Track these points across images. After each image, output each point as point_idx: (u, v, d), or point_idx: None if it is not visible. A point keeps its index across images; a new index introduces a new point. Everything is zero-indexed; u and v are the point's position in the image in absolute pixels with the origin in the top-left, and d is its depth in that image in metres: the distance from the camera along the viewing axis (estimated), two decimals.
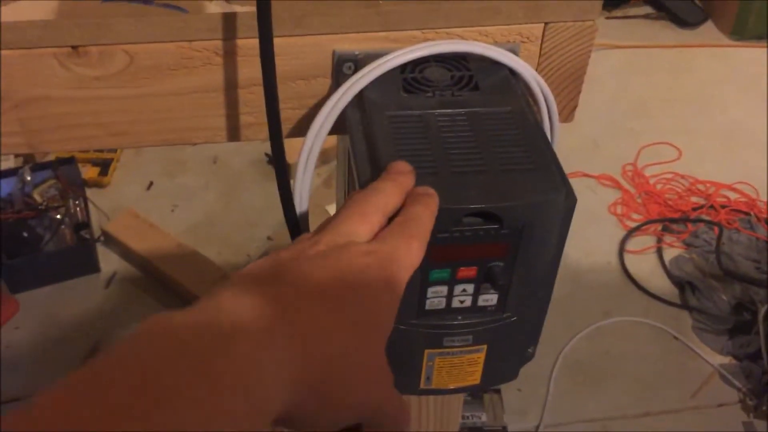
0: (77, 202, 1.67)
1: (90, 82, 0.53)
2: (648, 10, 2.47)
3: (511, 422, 1.39)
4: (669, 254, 1.71)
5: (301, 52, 0.55)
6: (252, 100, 0.57)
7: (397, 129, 0.49)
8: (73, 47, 0.52)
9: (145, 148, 1.94)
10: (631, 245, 1.73)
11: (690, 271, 1.66)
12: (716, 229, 1.72)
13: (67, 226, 1.62)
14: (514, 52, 0.56)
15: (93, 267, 1.62)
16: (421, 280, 0.48)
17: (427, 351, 0.52)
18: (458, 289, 0.49)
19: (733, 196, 1.83)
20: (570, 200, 0.47)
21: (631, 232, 1.75)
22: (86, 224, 1.63)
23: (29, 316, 1.53)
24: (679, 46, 2.33)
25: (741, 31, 2.34)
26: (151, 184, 1.84)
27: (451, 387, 0.54)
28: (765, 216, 1.78)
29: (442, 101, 0.52)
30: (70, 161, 1.74)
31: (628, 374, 1.50)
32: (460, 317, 0.50)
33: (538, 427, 1.40)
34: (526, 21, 0.56)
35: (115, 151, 1.87)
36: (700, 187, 1.85)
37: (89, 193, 1.75)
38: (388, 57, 0.53)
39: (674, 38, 2.39)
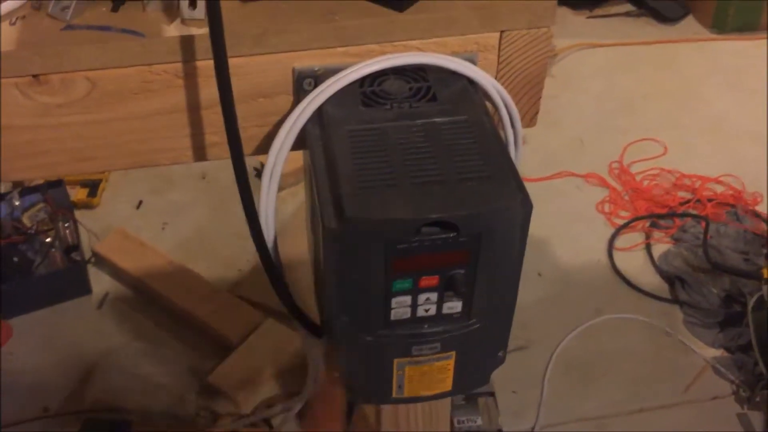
0: (67, 225, 1.67)
1: (53, 110, 0.54)
2: (629, 7, 2.48)
3: (506, 424, 1.39)
4: (658, 250, 1.72)
5: (261, 70, 0.56)
6: (215, 120, 0.58)
7: (356, 143, 0.50)
8: (34, 76, 0.52)
9: None
10: (619, 242, 1.74)
11: (679, 266, 1.66)
12: (703, 222, 1.73)
13: (57, 248, 1.63)
14: (473, 61, 0.57)
15: (85, 288, 1.63)
16: (384, 291, 0.48)
17: (396, 360, 0.53)
18: (422, 298, 0.49)
19: (719, 189, 1.83)
20: (526, 207, 0.48)
21: (619, 230, 1.75)
22: (76, 246, 1.64)
23: (23, 340, 1.54)
24: (661, 41, 2.34)
25: (721, 25, 2.35)
26: (141, 202, 1.85)
27: (423, 394, 0.55)
28: (751, 208, 1.78)
29: (400, 113, 0.52)
30: (58, 184, 1.74)
31: (622, 371, 1.50)
32: (426, 326, 0.51)
33: (533, 428, 1.40)
34: (482, 30, 0.57)
35: (101, 171, 1.88)
36: (687, 181, 1.85)
37: (79, 214, 1.75)
38: (346, 72, 0.53)
39: (656, 34, 2.40)
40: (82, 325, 1.57)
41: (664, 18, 2.42)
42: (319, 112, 0.53)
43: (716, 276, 1.62)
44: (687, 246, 1.71)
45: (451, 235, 0.46)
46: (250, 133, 0.58)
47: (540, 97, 0.62)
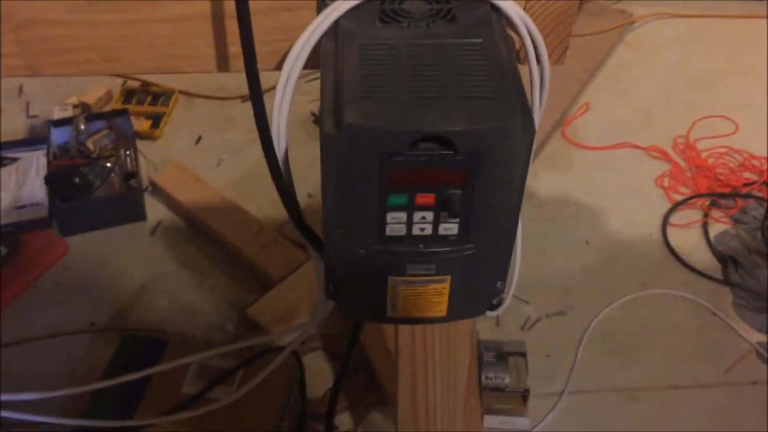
0: (128, 153, 1.73)
1: (83, 6, 0.56)
2: None
3: (536, 386, 1.38)
4: (715, 229, 1.66)
5: None
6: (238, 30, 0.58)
7: (365, 57, 0.50)
8: None
9: (195, 103, 1.99)
10: (675, 219, 1.68)
11: (735, 247, 1.60)
12: (766, 205, 1.66)
13: (117, 174, 1.69)
14: None
15: (140, 215, 1.69)
16: (379, 204, 0.48)
17: (391, 278, 0.53)
18: (417, 216, 0.49)
19: None
20: (528, 130, 0.47)
21: (676, 205, 1.70)
22: (135, 174, 1.69)
23: (78, 258, 1.61)
24: (744, 16, 2.23)
25: None
26: (200, 138, 1.89)
27: (418, 316, 0.55)
28: None
29: (415, 32, 0.52)
30: (123, 113, 1.80)
31: (661, 346, 1.47)
32: (421, 245, 0.51)
33: (562, 392, 1.39)
34: None
35: (167, 105, 1.93)
36: (755, 162, 1.78)
37: (140, 144, 1.81)
38: None
39: (739, 8, 2.29)
40: (135, 249, 1.63)
41: None
42: (336, 26, 0.53)
43: None
44: (746, 228, 1.64)
45: (448, 152, 0.46)
46: (273, 47, 0.59)
47: (570, 34, 0.60)
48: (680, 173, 1.77)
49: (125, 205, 1.67)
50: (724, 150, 1.81)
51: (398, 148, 0.45)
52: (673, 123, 1.90)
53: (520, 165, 0.49)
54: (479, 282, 0.55)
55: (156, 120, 1.89)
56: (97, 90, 1.94)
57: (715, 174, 1.75)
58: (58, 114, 1.83)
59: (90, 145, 1.71)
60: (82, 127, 1.72)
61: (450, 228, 0.50)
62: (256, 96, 0.54)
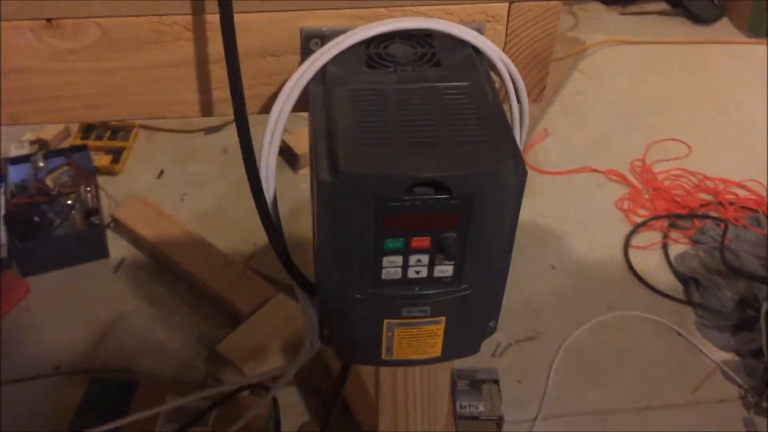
0: (89, 189, 1.70)
1: (64, 55, 0.55)
2: (663, 6, 2.45)
3: (509, 412, 1.39)
4: (674, 250, 1.70)
5: (269, 27, 0.56)
6: (222, 75, 0.58)
7: (356, 102, 0.51)
8: (48, 20, 0.53)
9: (157, 137, 1.97)
10: (636, 241, 1.72)
11: (695, 267, 1.64)
12: (723, 225, 1.71)
13: (77, 211, 1.65)
14: (480, 31, 0.57)
15: (102, 252, 1.65)
16: (375, 249, 0.49)
17: (386, 321, 0.53)
18: (413, 259, 0.50)
19: (742, 193, 1.81)
20: (520, 172, 0.48)
21: (637, 228, 1.74)
22: (96, 211, 1.66)
23: (40, 298, 1.57)
24: (694, 42, 2.31)
25: (757, 29, 2.32)
26: (162, 172, 1.87)
27: (412, 358, 0.55)
28: None
29: (402, 76, 0.53)
30: (82, 149, 1.77)
31: (630, 368, 1.49)
32: (417, 288, 0.51)
33: (535, 417, 1.40)
34: (491, 0, 0.56)
35: (127, 139, 1.90)
36: (709, 183, 1.83)
37: (101, 180, 1.78)
38: (352, 32, 0.54)
39: (689, 35, 2.37)
40: (98, 287, 1.60)
41: (698, 19, 2.39)
42: (323, 71, 0.54)
43: (732, 280, 1.60)
44: (704, 248, 1.69)
45: (443, 196, 0.46)
46: (257, 92, 0.59)
47: (547, 73, 0.62)
48: (639, 196, 1.82)
49: (87, 243, 1.64)
50: (679, 172, 1.86)
51: (395, 193, 0.46)
52: (630, 147, 1.95)
53: (512, 205, 0.49)
54: (473, 321, 0.55)
55: (116, 155, 1.86)
56: (54, 126, 1.91)
57: (672, 196, 1.80)
58: (15, 151, 1.79)
59: (49, 182, 1.68)
60: (41, 164, 1.69)
61: (445, 270, 0.50)
62: (246, 141, 0.53)
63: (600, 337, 1.55)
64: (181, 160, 1.91)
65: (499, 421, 1.36)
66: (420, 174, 0.45)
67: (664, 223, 1.75)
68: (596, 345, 1.54)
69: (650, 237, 1.74)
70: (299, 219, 1.73)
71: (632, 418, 1.42)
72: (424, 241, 0.49)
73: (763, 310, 1.40)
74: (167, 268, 1.62)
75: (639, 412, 1.43)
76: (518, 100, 0.60)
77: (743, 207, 1.77)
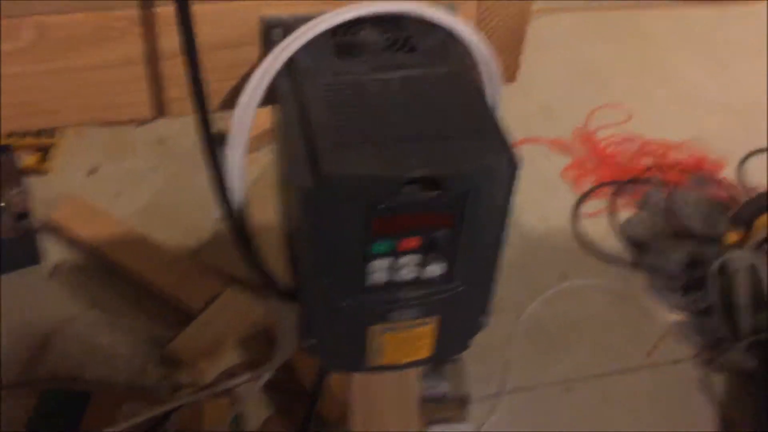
0: (16, 192, 1.60)
1: (1, 58, 0.49)
2: None
3: (474, 390, 1.38)
4: (622, 216, 1.72)
5: (225, 18, 0.52)
6: (177, 72, 0.53)
7: (331, 97, 0.47)
8: None
9: (86, 132, 1.87)
10: (584, 209, 1.73)
11: (642, 232, 1.67)
12: (667, 189, 1.73)
13: (6, 216, 1.56)
14: (451, 11, 0.54)
15: (35, 258, 1.57)
16: (362, 254, 0.45)
17: (373, 327, 0.50)
18: (402, 261, 0.47)
19: (682, 156, 1.84)
20: (513, 164, 0.45)
21: (583, 197, 1.75)
22: (27, 214, 1.57)
23: None
24: (629, 7, 2.33)
25: None
26: (95, 169, 1.78)
27: (402, 362, 0.53)
28: (713, 174, 1.79)
29: (377, 65, 0.49)
30: (6, 149, 1.66)
31: (587, 336, 1.51)
32: (406, 290, 0.48)
33: (500, 392, 1.40)
34: None
35: (53, 135, 1.80)
36: (650, 148, 1.86)
37: (29, 181, 1.68)
38: (319, 20, 0.50)
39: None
40: (35, 294, 1.52)
41: None
42: (290, 63, 0.50)
43: (679, 241, 1.63)
44: (650, 212, 1.71)
45: (435, 194, 0.43)
46: (214, 88, 0.55)
47: (521, 52, 0.59)
48: (584, 164, 1.83)
49: (19, 249, 1.55)
50: (621, 138, 1.88)
51: (384, 195, 0.42)
52: (572, 116, 1.96)
53: (506, 198, 0.47)
54: (465, 319, 0.53)
55: (44, 153, 1.76)
56: None
57: (616, 162, 1.82)
58: None
59: None
60: None
61: (435, 269, 0.48)
62: (209, 143, 0.49)
63: (556, 307, 1.56)
64: (114, 155, 1.82)
65: (465, 399, 1.36)
66: (411, 173, 0.42)
67: (610, 189, 1.76)
68: (553, 315, 1.55)
69: (597, 204, 1.75)
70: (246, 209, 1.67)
71: (594, 384, 1.44)
72: (414, 241, 0.46)
73: (712, 270, 1.43)
74: (109, 270, 1.55)
75: (600, 379, 1.45)
76: (491, 82, 0.57)
77: (684, 169, 1.80)
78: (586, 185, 1.79)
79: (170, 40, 0.52)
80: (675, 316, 1.54)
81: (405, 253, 0.46)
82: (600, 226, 1.71)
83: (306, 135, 0.45)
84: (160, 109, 0.55)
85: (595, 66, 2.14)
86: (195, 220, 1.66)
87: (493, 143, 0.44)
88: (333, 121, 0.45)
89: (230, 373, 1.38)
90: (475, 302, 0.52)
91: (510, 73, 0.60)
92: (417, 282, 0.48)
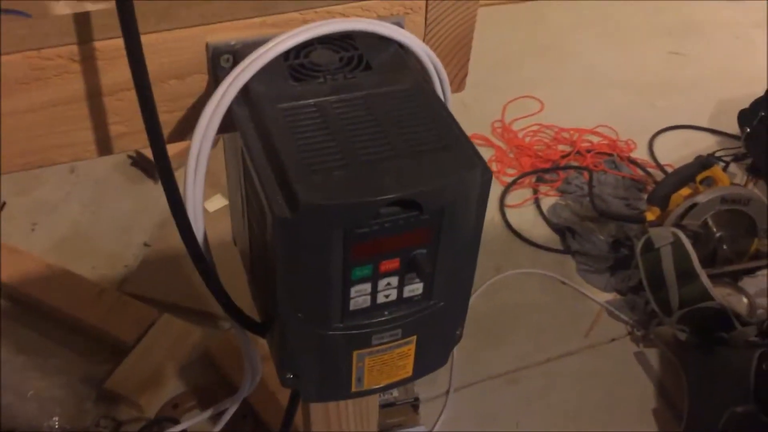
0: None
1: None
2: None
3: (422, 392, 1.39)
4: (546, 203, 1.76)
5: (170, 48, 0.49)
6: (121, 107, 0.51)
7: (294, 122, 0.45)
8: None
9: None
10: (509, 199, 1.77)
11: (567, 217, 1.71)
12: (585, 173, 1.79)
13: None
14: (400, 25, 0.53)
15: None
16: (342, 281, 0.44)
17: (356, 352, 0.49)
18: (382, 283, 0.46)
19: (596, 139, 1.91)
20: (486, 174, 0.45)
21: (508, 187, 1.78)
22: None
23: None
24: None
25: None
26: (4, 204, 1.69)
27: (384, 384, 0.52)
28: (627, 155, 1.86)
29: (336, 86, 0.48)
30: None
31: (526, 324, 1.54)
32: (386, 312, 0.48)
33: (448, 390, 1.41)
34: None
35: None
36: (565, 135, 1.91)
37: None
38: (270, 44, 0.48)
39: None
40: None
41: None
42: (245, 90, 0.48)
43: (602, 223, 1.69)
44: (572, 197, 1.76)
45: (413, 213, 0.43)
46: (162, 120, 0.52)
47: (468, 60, 0.59)
48: (504, 156, 1.86)
49: None
50: (537, 128, 1.93)
51: (363, 220, 0.41)
52: (487, 109, 1.99)
53: (481, 208, 0.47)
54: (442, 334, 0.52)
55: None
56: None
57: (535, 151, 1.86)
58: None
59: None
60: None
61: (415, 288, 0.47)
62: (168, 176, 0.47)
63: (492, 299, 1.58)
64: (23, 186, 1.73)
65: (415, 402, 1.36)
66: (389, 194, 0.41)
67: (532, 179, 1.81)
68: (491, 308, 1.57)
69: (522, 194, 1.79)
70: (171, 231, 1.62)
71: (537, 372, 1.47)
72: (394, 263, 0.45)
73: (638, 248, 1.48)
74: (31, 309, 1.47)
75: (542, 365, 1.48)
76: (442, 93, 0.57)
77: (599, 152, 1.86)
78: (509, 177, 1.82)
79: (111, 74, 0.49)
80: (606, 296, 1.59)
81: (385, 275, 0.45)
82: (527, 215, 1.75)
83: (274, 163, 0.43)
84: (104, 146, 0.53)
85: (502, 57, 2.18)
86: (117, 248, 1.60)
87: (465, 155, 0.44)
88: (300, 147, 0.43)
89: (174, 404, 1.33)
90: (453, 316, 0.52)
91: (458, 81, 0.60)
92: (398, 302, 0.47)
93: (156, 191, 1.71)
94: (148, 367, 1.37)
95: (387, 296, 0.47)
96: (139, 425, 1.30)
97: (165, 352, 1.39)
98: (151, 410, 1.33)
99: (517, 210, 1.76)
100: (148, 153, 1.71)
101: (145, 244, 1.61)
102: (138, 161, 1.74)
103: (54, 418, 1.28)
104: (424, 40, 0.56)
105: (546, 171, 1.82)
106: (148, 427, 1.22)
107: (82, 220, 1.67)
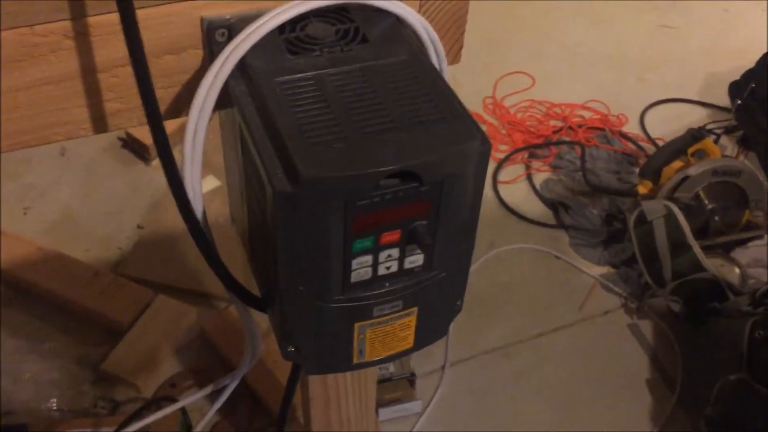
0: None
1: None
2: None
3: (418, 366, 1.40)
4: (538, 179, 1.77)
5: (165, 23, 0.49)
6: (116, 84, 0.50)
7: (292, 96, 0.45)
8: None
9: None
10: (502, 176, 1.77)
11: (560, 192, 1.72)
12: (577, 148, 1.79)
13: None
14: None
15: None
16: (344, 253, 0.44)
17: (357, 324, 0.49)
18: (383, 255, 0.46)
19: (587, 114, 1.91)
20: (485, 145, 0.45)
21: (500, 164, 1.78)
22: None
23: None
24: None
25: None
26: None
27: (385, 356, 0.52)
28: (618, 129, 1.87)
29: (333, 59, 0.48)
30: None
31: (519, 299, 1.55)
32: (387, 284, 0.48)
33: (444, 366, 1.42)
34: None
35: None
36: (557, 110, 1.91)
37: None
38: (266, 17, 0.48)
39: None
40: None
41: None
42: (242, 64, 0.48)
43: (595, 197, 1.69)
44: (565, 172, 1.77)
45: (413, 185, 0.43)
46: (158, 95, 0.52)
47: (464, 32, 0.59)
48: (496, 132, 1.86)
49: None
50: (528, 103, 1.93)
51: (364, 192, 0.41)
52: (478, 85, 1.98)
53: (480, 179, 0.47)
54: (443, 305, 0.52)
55: None
56: None
57: (527, 127, 1.86)
58: None
59: None
60: None
61: (415, 260, 0.47)
62: (166, 153, 0.47)
63: (486, 275, 1.59)
64: (13, 171, 1.72)
65: (411, 377, 1.37)
66: (389, 166, 0.41)
67: (525, 154, 1.81)
68: (485, 284, 1.58)
69: (514, 170, 1.79)
70: (164, 213, 1.62)
71: (531, 345, 1.48)
72: (395, 235, 0.45)
73: (631, 221, 1.49)
74: (25, 293, 1.47)
75: (536, 339, 1.49)
76: (439, 64, 0.57)
77: (591, 127, 1.86)
78: (501, 153, 1.82)
79: (105, 50, 0.49)
80: (599, 270, 1.59)
81: (386, 247, 0.45)
82: (519, 191, 1.75)
83: (274, 137, 0.43)
84: (99, 124, 0.52)
85: (491, 34, 2.17)
86: (109, 231, 1.59)
87: (464, 126, 0.44)
88: (299, 120, 0.43)
89: (172, 383, 1.34)
90: (453, 287, 0.52)
91: (454, 54, 0.60)
92: (398, 274, 0.47)
93: (148, 173, 1.71)
94: (145, 348, 1.37)
95: (388, 268, 0.47)
96: (137, 405, 1.30)
97: (161, 332, 1.39)
98: (149, 391, 1.33)
99: (510, 186, 1.76)
100: (139, 134, 1.69)
101: (138, 226, 1.60)
102: (129, 143, 1.73)
103: (52, 401, 1.28)
104: (419, 12, 0.55)
105: (538, 146, 1.82)
106: (147, 407, 1.22)
107: (74, 203, 1.66)
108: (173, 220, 1.65)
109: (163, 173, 0.47)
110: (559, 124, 1.88)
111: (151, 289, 1.45)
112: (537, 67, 2.05)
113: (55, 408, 1.28)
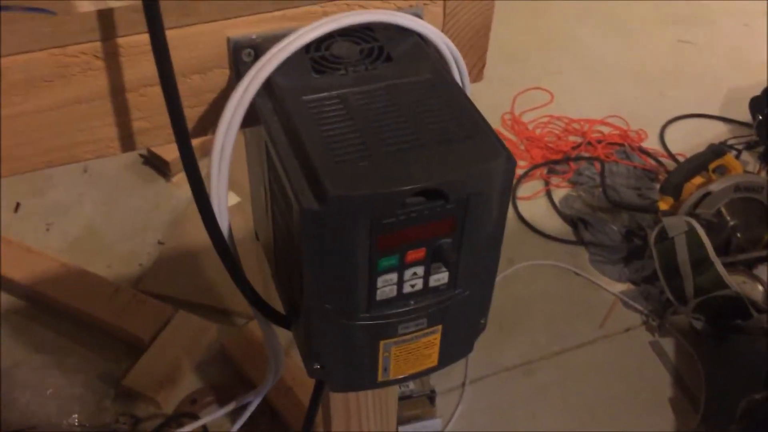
0: None
1: None
2: None
3: (438, 384, 1.39)
4: (558, 195, 1.76)
5: (192, 43, 0.50)
6: (144, 103, 0.51)
7: (318, 114, 0.46)
8: None
9: None
10: (521, 192, 1.77)
11: (579, 208, 1.71)
12: (597, 164, 1.79)
13: None
14: (419, 15, 0.53)
15: None
16: (369, 271, 0.45)
17: (382, 342, 0.49)
18: (408, 273, 0.46)
19: (606, 130, 1.90)
20: (510, 163, 0.45)
21: (519, 180, 1.78)
22: None
23: None
24: None
25: None
26: (18, 205, 1.70)
27: (410, 373, 0.52)
28: (637, 145, 1.86)
29: (357, 78, 0.48)
30: None
31: (539, 316, 1.54)
32: (412, 302, 0.48)
33: (464, 383, 1.42)
34: None
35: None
36: (575, 125, 1.91)
37: None
38: (291, 37, 0.48)
39: None
40: None
41: None
42: (268, 83, 0.48)
43: (615, 214, 1.68)
44: (584, 188, 1.76)
45: (439, 203, 0.43)
46: (186, 114, 0.52)
47: (486, 50, 0.59)
48: (515, 148, 1.86)
49: None
50: (546, 119, 1.93)
51: (390, 210, 0.42)
52: (496, 101, 1.99)
53: (505, 196, 0.47)
54: (467, 323, 0.52)
55: None
56: None
57: (545, 143, 1.86)
58: None
59: None
60: None
61: (440, 278, 0.47)
62: (193, 171, 0.47)
63: (506, 291, 1.58)
64: (37, 188, 1.74)
65: (432, 394, 1.36)
66: (415, 184, 0.42)
67: (543, 170, 1.80)
68: (505, 300, 1.57)
69: (533, 186, 1.79)
70: (185, 229, 1.63)
71: (552, 362, 1.47)
72: (420, 253, 0.45)
73: (652, 238, 1.48)
74: (49, 309, 1.48)
75: (557, 356, 1.48)
76: (462, 82, 0.57)
77: (610, 143, 1.85)
78: (520, 169, 1.82)
79: (134, 70, 0.50)
80: (620, 287, 1.58)
81: (411, 264, 0.46)
82: (538, 207, 1.75)
83: (300, 155, 0.44)
84: (127, 143, 0.53)
85: (509, 47, 2.18)
86: (131, 247, 1.61)
87: (489, 144, 0.44)
88: (326, 139, 0.44)
89: (192, 399, 1.34)
90: (478, 305, 0.52)
91: (476, 72, 0.60)
92: (423, 292, 0.47)
93: (169, 189, 1.72)
94: (165, 364, 1.37)
95: (413, 286, 0.47)
96: (157, 422, 1.30)
97: (181, 348, 1.40)
98: (169, 407, 1.33)
99: (529, 202, 1.75)
100: (160, 151, 1.71)
101: (160, 242, 1.62)
102: (150, 160, 1.75)
103: (73, 416, 1.29)
104: (442, 31, 0.56)
105: (557, 162, 1.82)
106: (167, 423, 1.22)
107: (96, 219, 1.68)
108: (194, 236, 1.66)
109: (183, 189, 0.48)
110: (578, 139, 1.87)
111: (171, 305, 1.46)
112: (555, 81, 2.05)
113: (76, 423, 1.28)
